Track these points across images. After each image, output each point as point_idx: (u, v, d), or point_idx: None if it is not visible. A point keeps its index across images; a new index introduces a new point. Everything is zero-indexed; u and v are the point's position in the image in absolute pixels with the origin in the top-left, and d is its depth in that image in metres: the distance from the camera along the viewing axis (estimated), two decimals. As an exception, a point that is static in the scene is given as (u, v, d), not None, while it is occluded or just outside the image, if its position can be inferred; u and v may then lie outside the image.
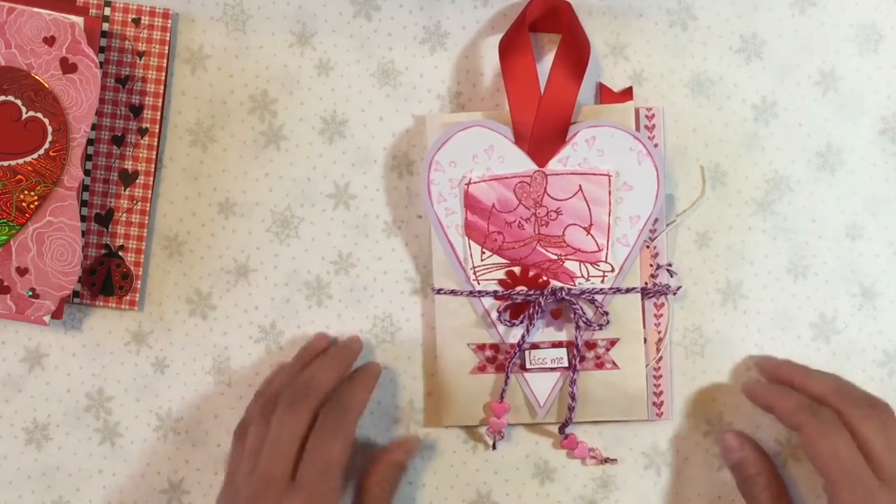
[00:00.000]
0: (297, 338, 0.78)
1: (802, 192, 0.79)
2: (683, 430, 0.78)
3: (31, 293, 0.76)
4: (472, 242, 0.77)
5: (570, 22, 0.76)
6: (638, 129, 0.77)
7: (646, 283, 0.77)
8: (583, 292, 0.76)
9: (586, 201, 0.76)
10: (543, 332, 0.77)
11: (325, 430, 0.70)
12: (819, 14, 0.79)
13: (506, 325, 0.77)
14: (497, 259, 0.77)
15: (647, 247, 0.78)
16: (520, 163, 0.76)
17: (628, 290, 0.77)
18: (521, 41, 0.76)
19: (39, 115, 0.75)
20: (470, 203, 0.77)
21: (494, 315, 0.77)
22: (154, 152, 0.78)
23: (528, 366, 0.77)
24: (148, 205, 0.78)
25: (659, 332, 0.78)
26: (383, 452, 0.76)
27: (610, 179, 0.76)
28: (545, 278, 0.77)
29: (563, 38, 0.76)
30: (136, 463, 0.79)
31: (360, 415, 0.72)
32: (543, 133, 0.76)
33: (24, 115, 0.75)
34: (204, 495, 0.78)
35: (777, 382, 0.75)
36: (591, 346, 0.77)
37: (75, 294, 0.78)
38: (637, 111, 0.78)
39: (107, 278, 0.78)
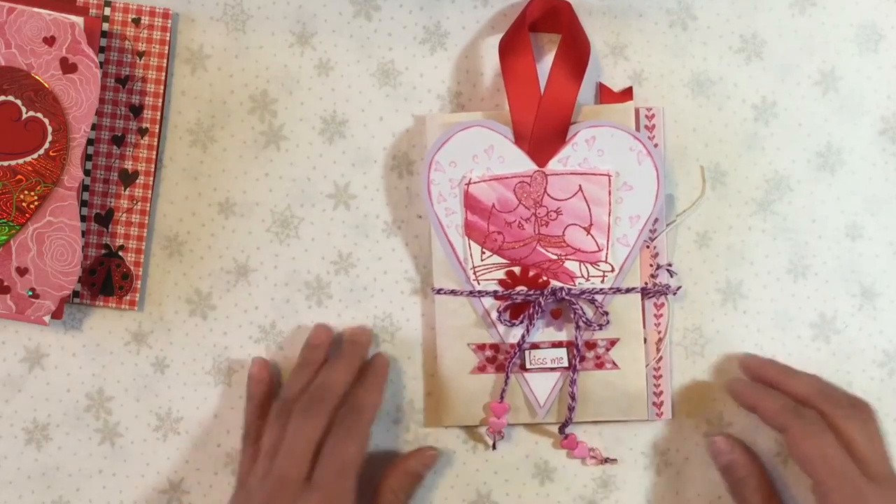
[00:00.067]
0: (298, 338, 0.78)
1: (802, 192, 0.79)
2: (683, 430, 0.78)
3: (31, 293, 0.76)
4: (472, 242, 0.77)
5: (570, 22, 0.76)
6: (638, 129, 0.77)
7: (646, 283, 0.77)
8: (583, 292, 0.76)
9: (586, 201, 0.76)
10: (543, 332, 0.77)
11: (340, 433, 0.71)
12: (819, 14, 0.79)
13: (506, 325, 0.77)
14: (497, 259, 0.77)
15: (647, 247, 0.78)
16: (520, 163, 0.76)
17: (628, 290, 0.77)
18: (521, 41, 0.76)
19: (39, 115, 0.75)
20: (470, 203, 0.77)
21: (494, 315, 0.77)
22: (154, 152, 0.78)
23: (528, 366, 0.77)
24: (148, 205, 0.78)
25: (659, 332, 0.78)
26: (401, 460, 0.76)
27: (610, 179, 0.76)
28: (545, 278, 0.77)
29: (563, 38, 0.76)
30: (136, 463, 0.79)
31: (375, 416, 0.74)
32: (543, 133, 0.76)
33: (24, 115, 0.75)
34: (204, 495, 0.78)
35: (760, 383, 0.76)
36: (591, 346, 0.77)
37: (75, 294, 0.78)
38: (637, 111, 0.78)
39: (107, 278, 0.78)
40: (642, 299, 0.77)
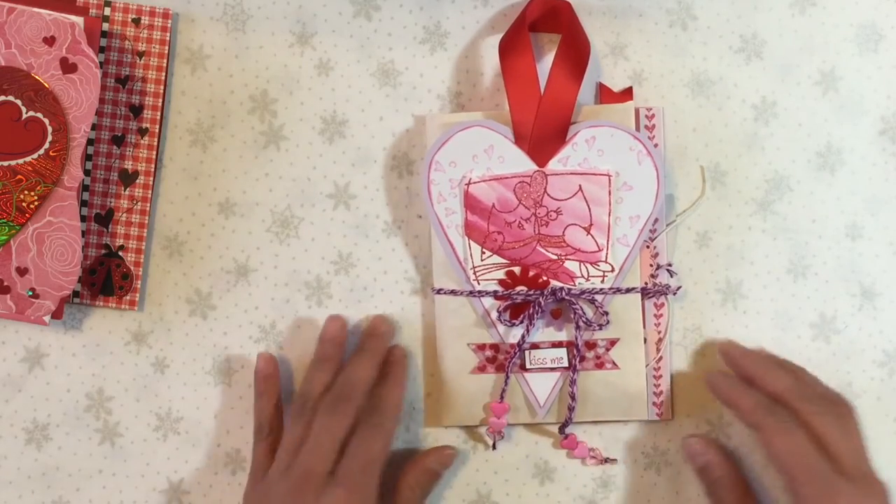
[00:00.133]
0: (298, 338, 0.78)
1: (802, 192, 0.79)
2: (683, 430, 0.78)
3: (31, 293, 0.76)
4: (472, 242, 0.77)
5: (570, 22, 0.76)
6: (638, 129, 0.77)
7: (646, 283, 0.77)
8: (583, 292, 0.76)
9: (586, 201, 0.76)
10: (543, 332, 0.77)
11: (366, 431, 0.72)
12: (819, 14, 0.79)
13: (506, 325, 0.77)
14: (497, 259, 0.77)
15: (647, 247, 0.78)
16: (520, 163, 0.76)
17: (628, 290, 0.77)
18: (521, 41, 0.76)
19: (39, 115, 0.75)
20: (470, 203, 0.77)
21: (494, 315, 0.77)
22: (154, 152, 0.78)
23: (528, 366, 0.77)
24: (148, 205, 0.78)
25: (659, 332, 0.78)
26: (420, 458, 0.77)
27: (610, 179, 0.76)
28: (545, 278, 0.77)
29: (563, 38, 0.76)
30: (136, 463, 0.79)
31: (400, 412, 0.74)
32: (543, 133, 0.76)
33: (24, 115, 0.75)
34: (204, 495, 0.78)
35: (739, 375, 0.75)
36: (591, 346, 0.77)
37: (75, 294, 0.78)
38: (637, 111, 0.78)
39: (107, 278, 0.78)
40: (642, 299, 0.77)
